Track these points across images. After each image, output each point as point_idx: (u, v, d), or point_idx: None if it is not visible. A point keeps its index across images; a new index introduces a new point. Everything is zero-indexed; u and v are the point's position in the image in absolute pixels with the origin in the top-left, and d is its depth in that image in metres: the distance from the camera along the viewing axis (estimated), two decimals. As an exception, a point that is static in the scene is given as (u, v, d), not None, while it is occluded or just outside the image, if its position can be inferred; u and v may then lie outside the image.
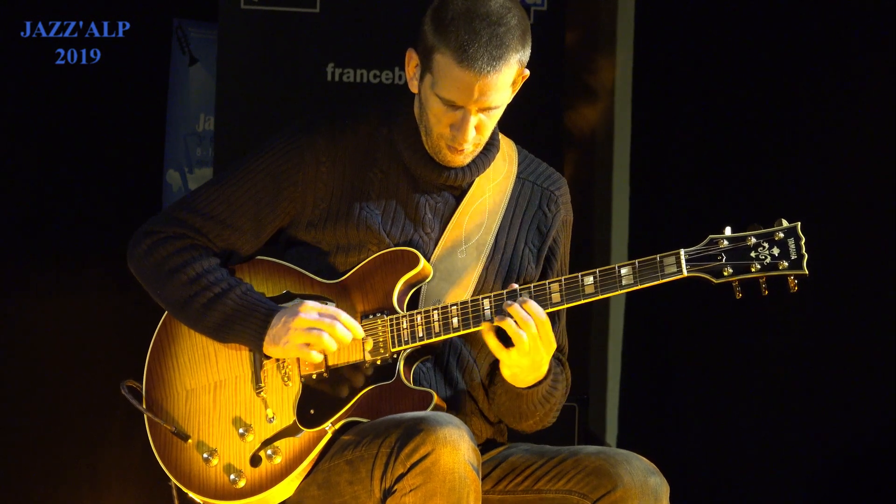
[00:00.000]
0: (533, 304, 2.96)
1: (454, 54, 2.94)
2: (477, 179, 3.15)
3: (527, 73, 3.04)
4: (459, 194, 3.15)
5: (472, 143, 3.06)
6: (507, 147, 3.22)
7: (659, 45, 5.19)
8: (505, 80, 2.98)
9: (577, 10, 5.27)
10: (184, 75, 5.15)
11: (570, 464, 3.02)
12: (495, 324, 2.97)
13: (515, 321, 2.95)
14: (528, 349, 2.96)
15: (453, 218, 3.13)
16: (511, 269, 3.14)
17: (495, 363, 3.16)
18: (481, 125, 3.03)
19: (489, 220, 3.14)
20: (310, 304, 3.03)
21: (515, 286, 3.01)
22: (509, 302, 2.98)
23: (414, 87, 3.09)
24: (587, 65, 5.44)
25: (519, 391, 3.08)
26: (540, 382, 3.07)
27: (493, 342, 2.99)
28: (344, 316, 3.03)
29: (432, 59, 2.98)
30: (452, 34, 2.94)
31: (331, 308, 3.04)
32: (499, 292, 3.01)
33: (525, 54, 3.00)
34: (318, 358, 3.03)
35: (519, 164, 3.21)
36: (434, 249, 3.12)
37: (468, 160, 3.11)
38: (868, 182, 4.48)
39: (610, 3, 5.44)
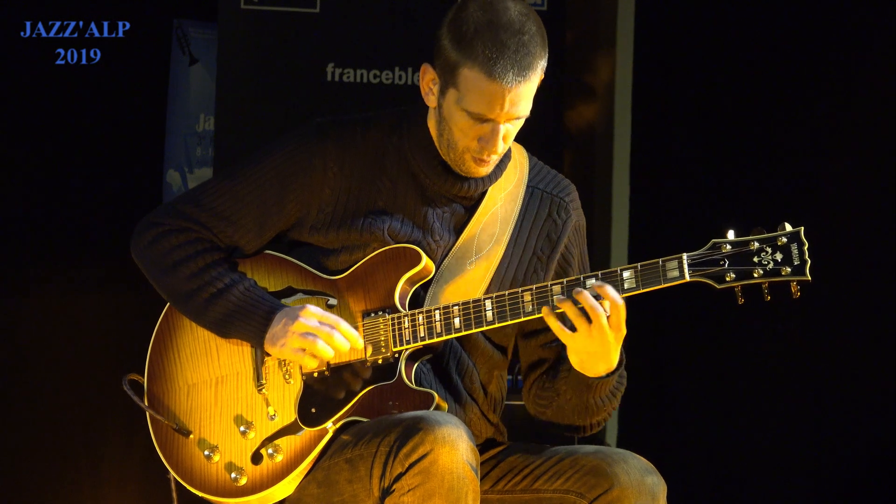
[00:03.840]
0: (609, 289, 2.90)
1: (483, 68, 2.91)
2: (489, 189, 3.13)
3: (542, 75, 3.01)
4: (471, 205, 3.13)
5: (500, 153, 3.04)
6: (517, 154, 3.19)
7: (659, 45, 5.19)
8: (532, 87, 2.96)
9: (577, 9, 5.27)
10: (184, 75, 5.15)
11: (568, 463, 3.01)
12: (560, 309, 2.91)
13: (583, 307, 2.90)
14: (590, 332, 2.91)
15: (467, 228, 3.11)
16: (516, 278, 3.12)
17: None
18: (507, 134, 3.01)
19: (500, 230, 3.12)
20: (312, 309, 3.02)
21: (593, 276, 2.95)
22: (578, 288, 2.92)
23: (431, 102, 3.05)
24: (587, 64, 5.44)
25: (589, 382, 3.03)
26: (611, 373, 3.02)
27: (555, 325, 2.94)
28: (344, 325, 3.02)
29: (457, 75, 2.94)
30: (479, 48, 2.91)
31: (332, 317, 3.02)
32: (500, 293, 3.00)
33: (546, 59, 2.98)
34: (314, 363, 3.02)
35: (529, 171, 3.18)
36: (443, 258, 3.10)
37: (491, 169, 3.09)
38: (871, 183, 4.48)
39: (610, 3, 5.44)
